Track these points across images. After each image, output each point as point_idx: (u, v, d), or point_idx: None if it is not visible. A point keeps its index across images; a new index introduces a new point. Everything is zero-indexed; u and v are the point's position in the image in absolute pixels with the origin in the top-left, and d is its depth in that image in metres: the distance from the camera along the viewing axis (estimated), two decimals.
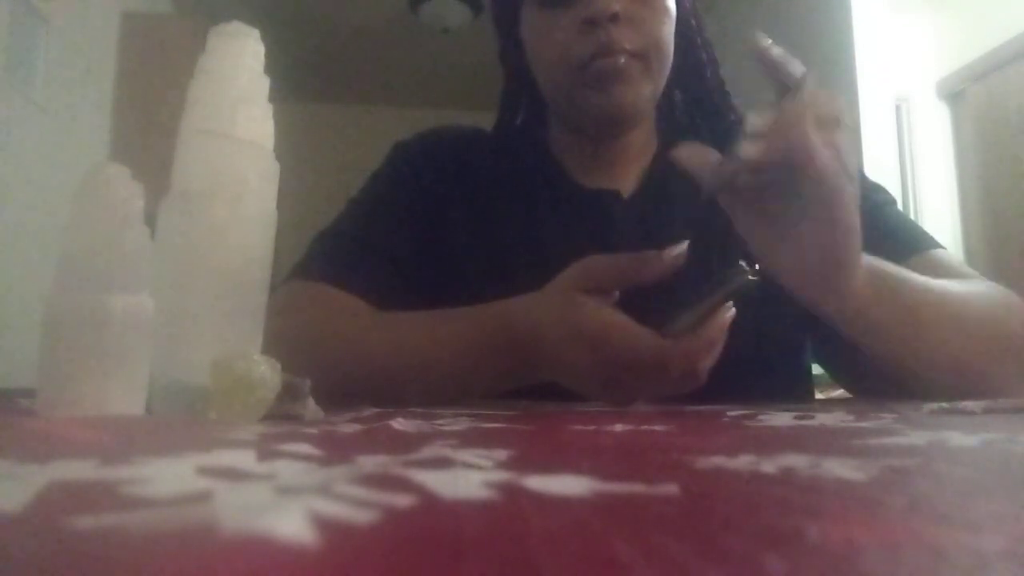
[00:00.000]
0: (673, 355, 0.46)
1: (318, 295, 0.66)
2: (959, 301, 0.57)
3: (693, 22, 0.74)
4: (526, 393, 0.58)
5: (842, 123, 0.46)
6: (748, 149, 0.44)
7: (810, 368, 0.77)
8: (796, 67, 0.47)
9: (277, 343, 0.48)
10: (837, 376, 0.74)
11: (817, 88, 0.46)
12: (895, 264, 0.55)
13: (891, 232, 0.67)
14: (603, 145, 0.73)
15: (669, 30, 0.68)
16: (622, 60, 0.65)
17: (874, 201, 0.70)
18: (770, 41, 0.47)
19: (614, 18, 0.63)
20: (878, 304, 0.51)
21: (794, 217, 0.47)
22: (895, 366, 0.56)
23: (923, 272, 0.63)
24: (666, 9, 0.67)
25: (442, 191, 0.74)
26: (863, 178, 0.73)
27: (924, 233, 0.70)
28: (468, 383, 0.56)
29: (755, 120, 0.44)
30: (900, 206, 0.74)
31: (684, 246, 0.49)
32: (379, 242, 0.70)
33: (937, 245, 0.67)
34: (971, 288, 0.60)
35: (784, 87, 0.46)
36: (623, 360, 0.47)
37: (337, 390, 0.51)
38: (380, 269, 0.68)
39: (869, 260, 0.51)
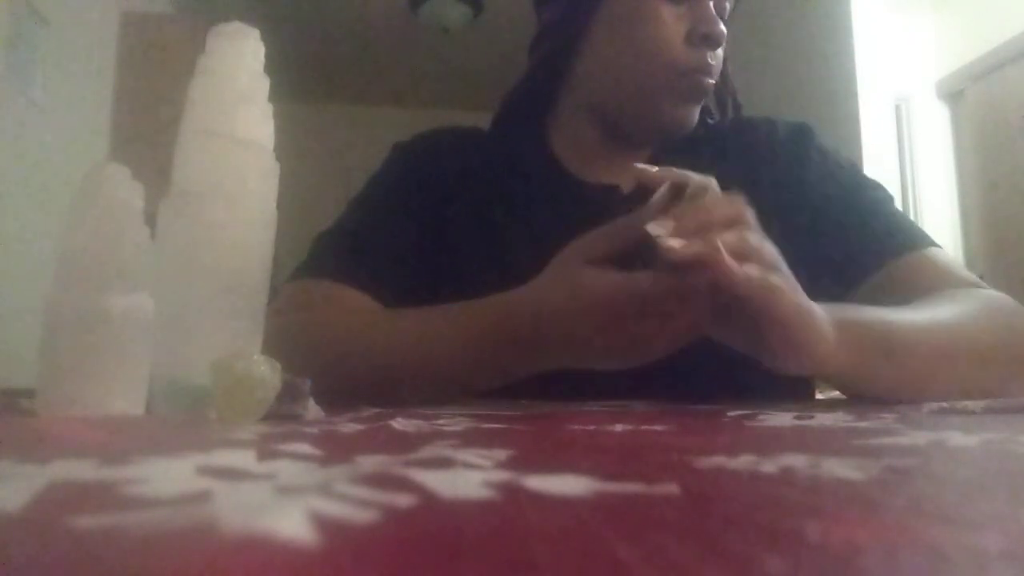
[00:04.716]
0: (674, 286, 0.46)
1: (322, 292, 0.66)
2: (941, 327, 0.56)
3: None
4: (526, 393, 0.58)
5: (748, 222, 0.47)
6: (669, 244, 0.44)
7: None
8: (684, 176, 0.49)
9: (282, 341, 0.48)
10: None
11: (710, 196, 0.48)
12: (885, 264, 0.54)
13: (884, 228, 0.67)
14: (606, 142, 0.74)
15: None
16: (712, 83, 0.68)
17: (868, 197, 0.70)
18: (644, 167, 0.50)
19: (720, 44, 0.66)
20: (856, 355, 0.50)
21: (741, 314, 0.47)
22: (884, 401, 0.56)
23: (915, 272, 0.63)
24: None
25: (442, 190, 0.74)
26: (860, 175, 0.74)
27: (920, 231, 0.69)
28: (473, 377, 0.56)
29: (657, 227, 0.45)
30: (900, 206, 0.74)
31: (664, 189, 0.49)
32: (381, 240, 0.70)
33: (933, 244, 0.67)
34: (957, 307, 0.58)
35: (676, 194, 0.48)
36: (628, 309, 0.47)
37: (343, 387, 0.51)
38: (383, 266, 0.68)
39: (837, 310, 0.51)
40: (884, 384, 0.53)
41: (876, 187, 0.72)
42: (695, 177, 0.49)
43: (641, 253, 0.48)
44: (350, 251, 0.69)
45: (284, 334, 0.54)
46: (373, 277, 0.67)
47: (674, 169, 0.50)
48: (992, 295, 0.61)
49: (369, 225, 0.72)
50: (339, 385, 0.52)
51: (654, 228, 0.44)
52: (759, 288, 0.45)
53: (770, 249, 0.47)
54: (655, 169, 0.51)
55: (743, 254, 0.45)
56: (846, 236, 0.67)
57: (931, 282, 0.62)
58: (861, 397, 0.56)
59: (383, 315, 0.64)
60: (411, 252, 0.70)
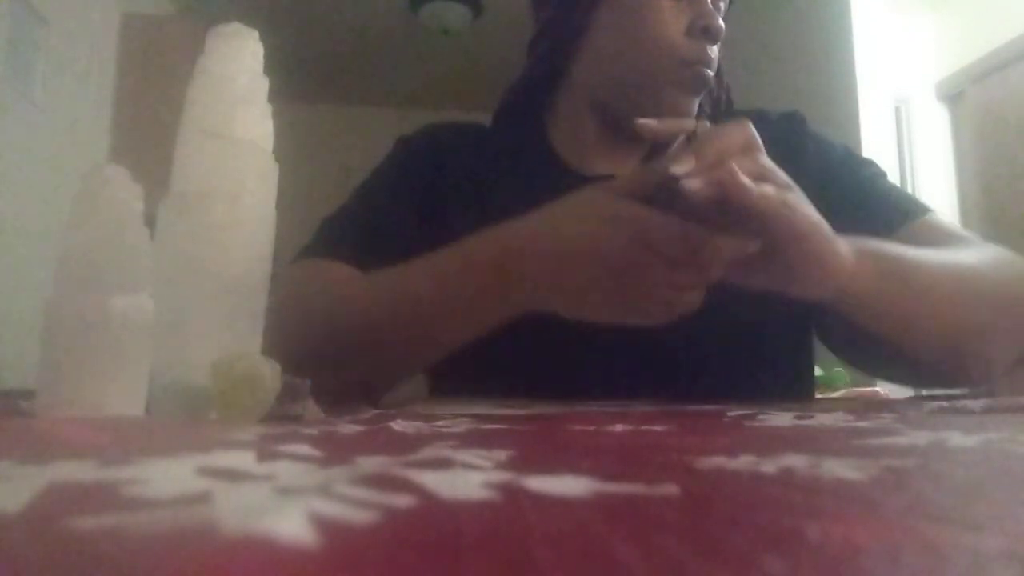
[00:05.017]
0: (691, 230, 0.46)
1: (319, 267, 0.67)
2: (957, 266, 0.58)
3: None
4: (526, 393, 0.58)
5: (758, 145, 0.48)
6: (690, 184, 0.45)
7: (812, 369, 0.77)
8: (687, 123, 0.50)
9: (280, 316, 0.48)
10: (844, 357, 0.75)
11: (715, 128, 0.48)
12: (888, 237, 0.56)
13: (884, 203, 0.68)
14: (605, 135, 0.74)
15: None
16: (712, 76, 0.69)
17: (864, 175, 0.72)
18: (648, 121, 0.52)
19: (720, 37, 0.67)
20: (876, 280, 0.52)
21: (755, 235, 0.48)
22: (900, 342, 0.56)
23: (919, 238, 0.64)
24: None
25: (444, 181, 0.75)
26: (852, 154, 0.75)
27: (916, 201, 0.72)
28: (470, 314, 0.55)
29: (680, 166, 0.45)
30: None
31: (681, 139, 0.50)
32: (382, 224, 0.71)
33: (929, 210, 0.69)
34: (969, 252, 0.61)
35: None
36: (636, 245, 0.47)
37: (345, 357, 0.51)
38: (382, 248, 0.69)
39: (857, 241, 0.52)
40: (901, 313, 0.54)
41: (869, 164, 0.74)
42: (697, 123, 0.50)
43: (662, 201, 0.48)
44: (348, 233, 0.71)
45: (278, 310, 0.54)
46: (365, 253, 0.67)
47: (678, 119, 0.51)
48: (999, 248, 0.64)
49: (367, 209, 0.73)
50: (333, 355, 0.52)
51: (677, 168, 0.45)
52: (776, 204, 0.46)
53: (782, 172, 0.48)
54: (655, 122, 0.52)
55: (758, 176, 0.46)
56: (847, 216, 0.68)
57: (936, 245, 0.63)
58: (876, 332, 0.56)
59: (365, 277, 0.64)
60: (407, 238, 0.71)
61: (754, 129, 0.48)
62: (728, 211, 0.46)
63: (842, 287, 0.51)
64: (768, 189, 0.46)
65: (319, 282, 0.65)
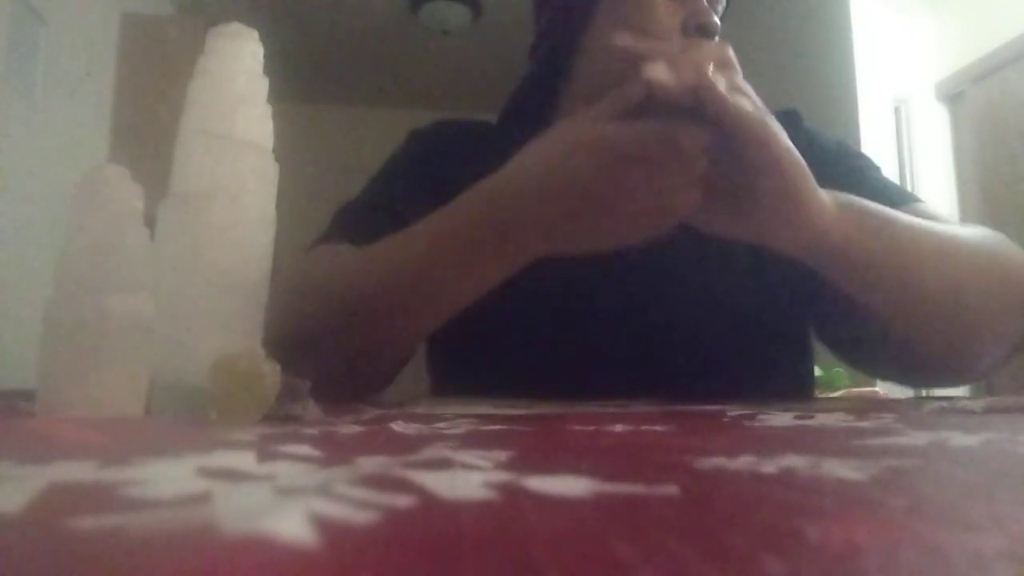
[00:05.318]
0: (667, 131, 0.45)
1: (328, 251, 0.68)
2: (947, 234, 0.57)
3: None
4: (526, 393, 0.58)
5: (735, 66, 0.46)
6: (654, 72, 0.44)
7: (812, 369, 0.77)
8: (664, 45, 0.49)
9: (287, 299, 0.47)
10: (840, 352, 0.74)
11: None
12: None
13: (874, 191, 0.68)
14: None
15: None
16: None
17: (855, 166, 0.72)
18: (622, 37, 0.51)
19: (715, 34, 0.66)
20: (858, 234, 0.49)
21: (735, 172, 0.46)
22: (883, 312, 0.55)
23: None
24: None
25: (452, 175, 0.75)
26: (845, 148, 0.75)
27: (909, 192, 0.71)
28: (467, 272, 0.54)
29: (652, 68, 0.45)
30: None
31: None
32: (394, 210, 0.71)
33: (920, 201, 0.68)
34: (959, 227, 0.60)
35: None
36: (616, 155, 0.46)
37: (346, 332, 0.51)
38: (383, 227, 0.69)
39: (840, 195, 0.50)
40: (880, 273, 0.52)
41: (861, 157, 0.74)
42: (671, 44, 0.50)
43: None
44: (357, 218, 0.71)
45: (285, 296, 0.54)
46: (377, 237, 0.67)
47: (656, 40, 0.50)
48: (983, 228, 0.63)
49: (379, 197, 0.74)
50: (335, 331, 0.52)
51: (651, 71, 0.44)
52: (754, 120, 0.44)
53: (758, 98, 0.46)
54: (631, 39, 0.51)
55: (734, 90, 0.45)
56: None
57: None
58: (858, 296, 0.54)
59: (362, 249, 0.63)
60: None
61: (732, 51, 0.47)
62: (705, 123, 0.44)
63: (820, 238, 0.48)
64: (745, 103, 0.44)
65: (325, 262, 0.65)
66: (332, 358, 0.53)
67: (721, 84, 0.43)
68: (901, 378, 0.74)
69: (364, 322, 0.55)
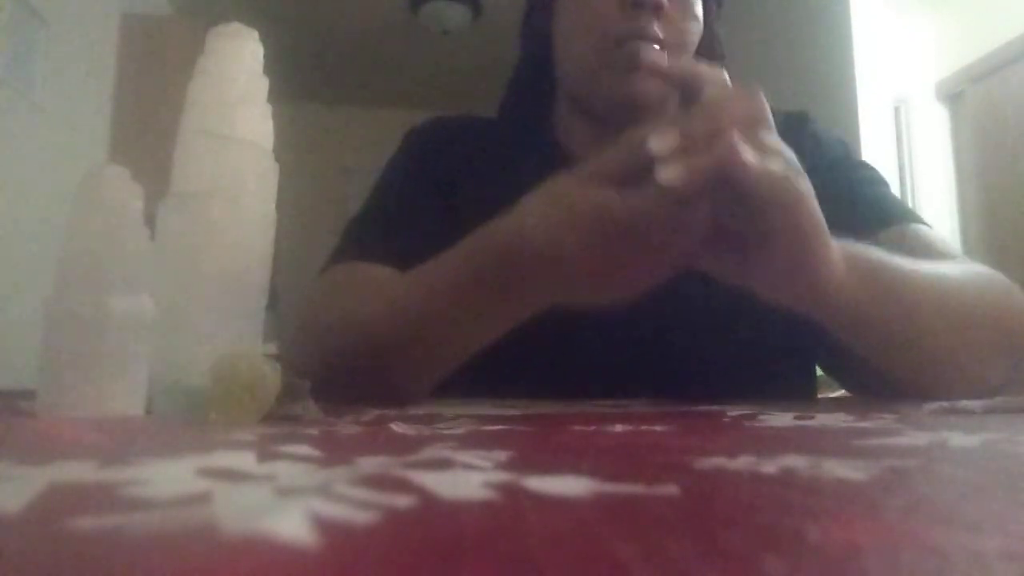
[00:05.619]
0: (667, 213, 0.41)
1: (354, 271, 0.67)
2: (949, 288, 0.55)
3: (715, 31, 0.75)
4: (527, 393, 0.58)
5: (768, 120, 0.41)
6: (664, 174, 0.38)
7: (813, 369, 0.77)
8: (706, 72, 0.44)
9: (316, 324, 0.46)
10: (843, 384, 0.74)
11: (731, 88, 0.42)
12: (869, 238, 0.52)
13: (871, 204, 0.67)
14: (609, 130, 0.74)
15: (696, 35, 0.69)
16: (654, 49, 0.65)
17: (856, 176, 0.71)
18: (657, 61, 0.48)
19: (658, 8, 0.64)
20: (864, 294, 0.48)
21: (750, 227, 0.42)
22: (893, 366, 0.55)
23: (901, 243, 0.61)
24: (696, 16, 0.69)
25: (452, 173, 0.75)
26: (850, 154, 0.74)
27: (911, 210, 0.70)
28: (465, 321, 0.53)
29: (659, 142, 0.39)
30: None
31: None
32: (406, 217, 0.71)
33: (920, 221, 0.67)
34: (953, 267, 0.59)
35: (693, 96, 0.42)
36: (613, 227, 0.43)
37: (388, 359, 0.51)
38: (410, 241, 0.68)
39: (849, 248, 0.48)
40: (886, 330, 0.51)
41: (866, 167, 0.73)
42: (709, 74, 0.43)
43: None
44: (371, 232, 0.71)
45: (312, 321, 0.53)
46: (394, 249, 0.66)
47: (687, 66, 0.45)
48: (984, 267, 0.62)
49: (388, 205, 0.73)
50: (375, 357, 0.52)
51: (655, 143, 0.39)
52: (782, 187, 0.39)
53: (792, 154, 0.41)
54: (665, 64, 0.47)
55: (762, 152, 0.39)
56: (831, 212, 0.67)
57: (919, 255, 0.61)
58: (855, 346, 0.53)
59: (395, 276, 0.62)
60: (433, 226, 0.71)
61: (764, 100, 0.42)
62: (720, 189, 0.39)
63: (824, 299, 0.46)
64: (774, 167, 0.39)
65: (358, 285, 0.64)
66: (365, 387, 0.53)
67: (749, 153, 0.38)
68: (899, 397, 0.74)
69: (409, 352, 0.54)
